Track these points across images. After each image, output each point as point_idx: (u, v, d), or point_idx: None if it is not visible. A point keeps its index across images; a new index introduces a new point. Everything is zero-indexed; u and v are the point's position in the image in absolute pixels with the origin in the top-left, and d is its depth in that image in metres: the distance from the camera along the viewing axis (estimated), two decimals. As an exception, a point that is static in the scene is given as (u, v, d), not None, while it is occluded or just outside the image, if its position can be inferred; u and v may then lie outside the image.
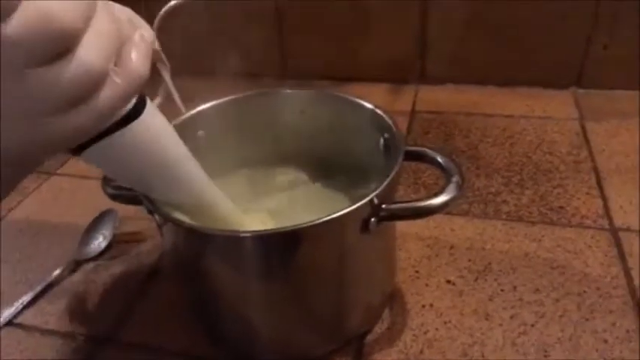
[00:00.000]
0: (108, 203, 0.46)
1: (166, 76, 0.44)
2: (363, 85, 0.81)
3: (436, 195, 0.36)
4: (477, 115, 0.74)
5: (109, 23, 0.22)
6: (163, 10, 0.42)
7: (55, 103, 0.21)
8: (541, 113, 0.73)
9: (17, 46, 0.19)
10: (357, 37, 0.82)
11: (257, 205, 0.47)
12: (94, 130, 0.26)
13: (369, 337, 0.43)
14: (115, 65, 0.23)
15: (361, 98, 0.46)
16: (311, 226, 0.33)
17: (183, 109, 0.47)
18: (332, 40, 0.84)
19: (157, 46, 0.43)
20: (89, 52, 0.21)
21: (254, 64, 0.83)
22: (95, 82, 0.22)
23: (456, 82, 0.82)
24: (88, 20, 0.21)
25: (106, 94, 0.23)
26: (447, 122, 0.72)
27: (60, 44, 0.20)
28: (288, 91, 0.50)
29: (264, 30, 0.84)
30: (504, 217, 0.55)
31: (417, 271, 0.49)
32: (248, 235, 0.35)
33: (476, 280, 0.48)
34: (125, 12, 0.25)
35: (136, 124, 0.28)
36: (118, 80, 0.23)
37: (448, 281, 0.48)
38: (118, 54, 0.24)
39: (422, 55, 0.82)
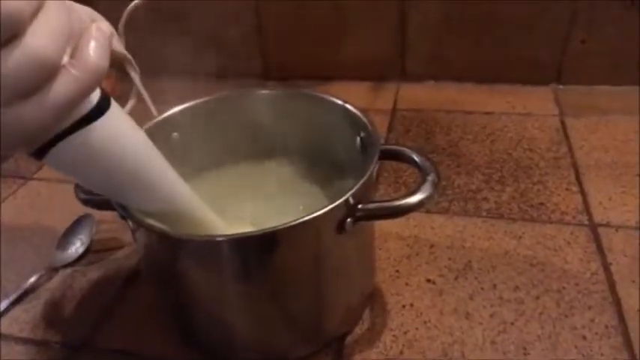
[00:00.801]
0: (85, 208, 0.45)
1: (136, 79, 0.43)
2: (343, 83, 0.81)
3: (412, 194, 0.36)
4: (458, 112, 0.74)
5: (60, 12, 0.22)
6: (129, 8, 0.41)
7: (3, 92, 0.20)
8: (521, 110, 0.74)
9: None
10: (337, 36, 0.82)
11: (234, 206, 0.46)
12: (54, 127, 0.25)
13: (349, 339, 0.43)
14: (72, 58, 0.23)
15: (337, 97, 0.46)
16: (286, 227, 0.33)
17: (154, 111, 0.46)
18: (312, 39, 0.83)
19: (123, 49, 0.43)
20: (37, 39, 0.20)
21: (233, 64, 0.83)
22: (46, 71, 0.21)
23: (436, 79, 0.83)
24: (36, 8, 0.20)
25: (62, 86, 0.22)
26: (428, 120, 0.72)
27: (5, 29, 0.19)
28: (264, 91, 0.50)
29: (244, 29, 0.84)
30: (485, 214, 0.55)
31: (397, 271, 0.49)
32: (223, 239, 0.35)
33: (456, 278, 0.48)
34: (85, 9, 0.25)
35: (99, 124, 0.28)
36: (74, 72, 0.22)
37: (428, 280, 0.48)
38: (74, 46, 0.23)
39: (402, 53, 0.82)
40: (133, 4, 0.48)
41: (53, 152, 0.26)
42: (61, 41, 0.22)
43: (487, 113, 0.73)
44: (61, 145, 0.26)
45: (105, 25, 0.25)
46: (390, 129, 0.71)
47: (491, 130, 0.69)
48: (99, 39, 0.24)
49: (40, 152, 0.27)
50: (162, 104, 0.47)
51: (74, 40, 0.23)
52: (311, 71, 0.84)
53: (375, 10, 0.78)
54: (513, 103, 0.76)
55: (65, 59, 0.23)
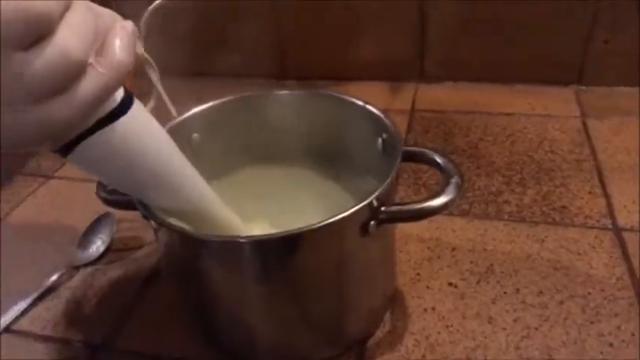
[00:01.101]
0: (106, 207, 0.45)
1: (155, 80, 0.43)
2: (361, 84, 0.81)
3: (435, 196, 0.36)
4: (477, 113, 0.73)
5: (86, 12, 0.22)
6: (150, 8, 0.41)
7: (33, 91, 0.21)
8: (542, 111, 0.73)
9: None
10: (354, 36, 0.82)
11: (253, 207, 0.46)
12: (79, 124, 0.25)
13: (371, 342, 0.43)
14: (98, 56, 0.23)
15: (359, 98, 0.46)
16: (309, 230, 0.32)
17: (174, 112, 0.46)
18: (330, 39, 0.83)
19: (142, 50, 0.43)
20: (65, 38, 0.21)
21: (252, 64, 0.83)
22: (74, 69, 0.22)
23: (455, 80, 0.82)
24: (64, 7, 0.21)
25: (89, 84, 0.22)
26: (447, 121, 0.72)
27: (35, 29, 0.20)
28: (284, 92, 0.49)
29: (262, 29, 0.84)
30: (506, 217, 0.54)
31: (418, 274, 0.48)
32: (245, 240, 0.34)
33: (478, 282, 0.47)
34: (106, 10, 0.25)
35: (123, 121, 0.28)
36: (100, 69, 0.23)
37: (450, 284, 0.47)
38: (100, 45, 0.23)
39: (421, 54, 0.81)
40: (154, 4, 0.48)
41: (78, 150, 0.27)
42: (88, 40, 0.22)
43: (507, 114, 0.72)
44: (86, 143, 0.27)
45: (129, 24, 0.25)
46: (408, 130, 0.70)
47: (512, 131, 0.68)
48: (124, 37, 0.24)
49: (65, 149, 0.27)
50: (180, 105, 0.48)
51: (99, 39, 0.24)
52: (328, 71, 0.84)
53: (393, 9, 0.78)
54: (533, 104, 0.74)
55: (91, 57, 0.23)
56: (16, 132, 0.22)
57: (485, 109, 0.74)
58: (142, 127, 0.30)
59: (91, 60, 0.23)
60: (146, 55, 0.45)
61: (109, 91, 0.24)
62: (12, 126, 0.21)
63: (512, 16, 0.75)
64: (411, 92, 0.79)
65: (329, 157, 0.49)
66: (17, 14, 0.19)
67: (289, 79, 0.86)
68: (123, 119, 0.28)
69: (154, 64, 0.47)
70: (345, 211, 0.33)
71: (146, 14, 0.46)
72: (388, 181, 0.35)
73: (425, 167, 0.62)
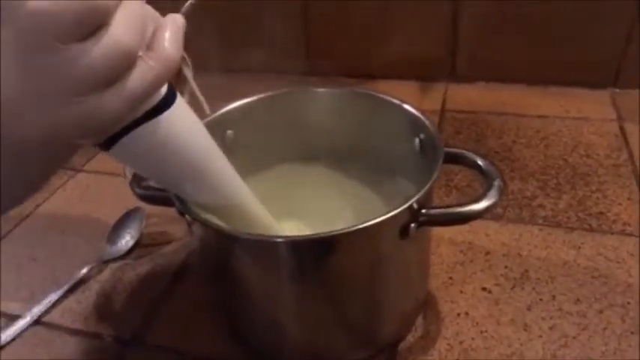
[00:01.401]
0: (135, 201, 0.45)
1: (189, 75, 0.43)
2: (390, 82, 0.80)
3: (478, 200, 0.35)
4: (510, 115, 0.72)
5: (137, 4, 0.22)
6: (184, 8, 0.41)
7: (88, 81, 0.21)
8: (576, 114, 0.71)
9: (50, 19, 0.19)
10: (383, 33, 0.81)
11: (286, 206, 0.45)
12: (126, 116, 0.25)
13: (402, 345, 0.42)
14: (148, 49, 0.23)
15: (395, 97, 0.45)
16: (348, 232, 0.32)
17: (207, 109, 0.46)
18: (359, 36, 0.82)
19: None
20: (121, 30, 0.21)
21: (278, 61, 0.82)
22: (127, 61, 0.22)
23: (487, 80, 0.80)
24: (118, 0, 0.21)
25: (139, 76, 0.23)
26: (479, 122, 0.70)
27: (92, 20, 0.20)
28: (319, 89, 0.49)
29: (290, 26, 0.83)
30: (541, 222, 0.53)
31: (450, 278, 0.47)
32: (283, 240, 0.34)
33: (513, 288, 0.46)
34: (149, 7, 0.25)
35: (167, 116, 0.28)
36: (150, 62, 0.23)
37: (484, 289, 0.46)
38: (150, 38, 0.24)
39: (452, 53, 0.80)
40: (188, 3, 0.47)
41: (121, 143, 0.27)
42: (140, 32, 0.22)
43: (540, 117, 0.71)
44: (130, 136, 0.26)
45: (179, 18, 0.25)
46: (439, 130, 0.69)
47: (545, 134, 0.67)
48: (174, 31, 0.25)
49: (109, 142, 0.27)
50: (211, 100, 0.47)
51: (149, 33, 0.24)
52: (356, 69, 0.83)
53: (425, 7, 0.77)
54: (567, 106, 0.73)
55: (141, 51, 0.23)
56: (67, 124, 0.22)
57: (518, 111, 0.72)
58: (183, 122, 0.30)
59: (141, 53, 0.23)
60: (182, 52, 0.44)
61: (158, 84, 0.24)
62: (65, 117, 0.21)
63: (547, 16, 0.73)
64: (441, 92, 0.78)
65: (362, 157, 0.48)
66: (76, 5, 0.19)
67: (315, 77, 0.85)
68: (167, 113, 0.28)
69: (188, 60, 0.46)
70: (385, 214, 0.32)
71: (181, 12, 0.46)
72: (430, 183, 0.34)
73: (456, 169, 0.61)
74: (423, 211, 0.34)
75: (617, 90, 0.75)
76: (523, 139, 0.66)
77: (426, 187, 0.34)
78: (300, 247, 0.34)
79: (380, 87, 0.78)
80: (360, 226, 0.32)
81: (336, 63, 0.85)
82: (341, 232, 0.32)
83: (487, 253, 0.50)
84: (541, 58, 0.77)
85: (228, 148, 0.46)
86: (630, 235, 0.51)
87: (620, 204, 0.54)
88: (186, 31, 0.26)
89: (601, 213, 0.54)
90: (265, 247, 0.35)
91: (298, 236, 0.33)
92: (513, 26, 0.75)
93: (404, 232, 0.34)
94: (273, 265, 0.36)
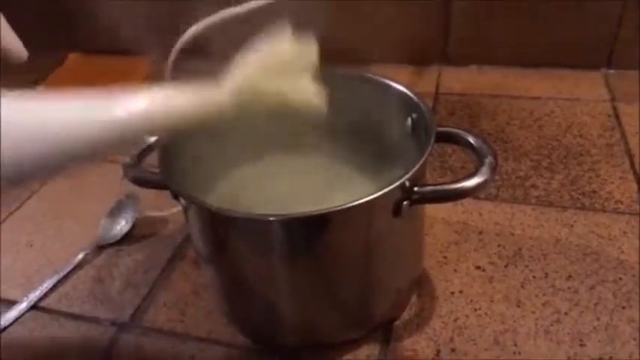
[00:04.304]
0: (129, 187, 0.45)
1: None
2: (383, 66, 0.79)
3: (469, 177, 0.35)
4: (503, 97, 0.72)
5: None
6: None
7: None
8: (569, 95, 0.71)
9: None
10: (378, 17, 0.80)
11: (279, 195, 0.45)
12: None
13: (397, 324, 0.42)
14: None
15: (387, 78, 0.45)
16: (341, 209, 0.32)
17: None
18: (353, 20, 0.82)
19: None
20: None
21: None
22: None
23: (480, 63, 0.80)
24: None
25: None
26: (472, 104, 0.70)
27: None
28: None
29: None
30: (534, 201, 0.53)
31: (445, 257, 0.48)
32: (276, 218, 0.34)
33: (506, 266, 0.46)
34: None
35: None
36: None
37: (477, 267, 0.47)
38: None
39: (445, 36, 0.79)
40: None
41: None
42: None
43: (533, 98, 0.71)
44: None
45: None
46: (433, 113, 0.69)
47: (539, 115, 0.67)
48: None
49: None
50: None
51: None
52: (349, 53, 0.82)
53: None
54: (560, 88, 0.73)
55: None
56: None
57: (512, 93, 0.72)
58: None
59: None
60: None
61: None
62: None
63: (540, -2, 0.73)
64: (434, 75, 0.78)
65: (354, 140, 0.48)
66: None
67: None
68: None
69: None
70: (377, 191, 0.32)
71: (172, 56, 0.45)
72: (422, 160, 0.34)
73: (450, 150, 0.61)
74: (416, 188, 0.34)
75: (611, 71, 0.75)
76: (516, 121, 0.66)
77: (418, 164, 0.34)
78: (294, 225, 0.34)
79: (375, 70, 0.77)
80: (353, 204, 0.32)
81: (332, 48, 0.84)
82: (334, 209, 0.32)
83: (481, 233, 0.50)
84: (534, 41, 0.77)
85: (222, 134, 0.46)
86: (622, 213, 0.51)
87: (612, 182, 0.55)
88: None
89: (594, 192, 0.54)
90: (259, 225, 0.35)
91: (292, 214, 0.33)
92: (506, 9, 0.75)
93: (397, 209, 0.34)
94: (267, 244, 0.36)
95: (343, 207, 0.32)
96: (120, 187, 0.55)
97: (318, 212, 0.32)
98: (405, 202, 0.34)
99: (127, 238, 0.54)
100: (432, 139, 0.36)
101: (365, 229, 0.35)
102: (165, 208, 0.55)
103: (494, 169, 0.36)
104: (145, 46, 0.64)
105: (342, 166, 0.49)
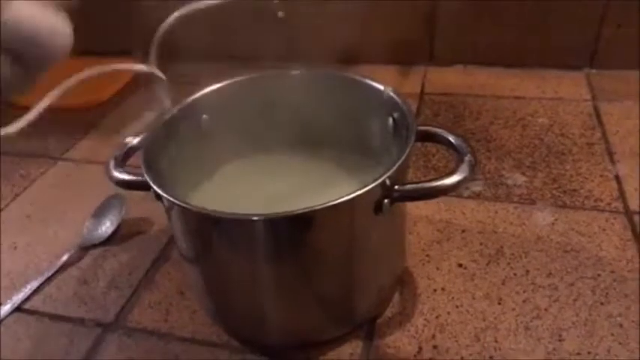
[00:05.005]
0: (114, 189, 0.45)
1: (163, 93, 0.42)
2: (369, 67, 0.80)
3: (449, 175, 0.36)
4: (487, 96, 0.73)
5: None
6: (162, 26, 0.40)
7: None
8: (552, 95, 0.72)
9: None
10: (364, 18, 0.81)
11: (263, 195, 0.46)
12: None
13: (380, 321, 0.43)
14: None
15: (367, 77, 0.45)
16: (323, 208, 0.32)
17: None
18: (338, 20, 0.82)
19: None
20: None
21: (259, 47, 0.82)
22: None
23: (465, 63, 0.81)
24: None
25: None
26: (457, 104, 0.71)
27: None
28: (294, 72, 0.49)
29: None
30: (516, 199, 0.54)
31: (427, 255, 0.48)
32: (258, 218, 0.34)
33: (488, 264, 0.47)
34: None
35: None
36: None
37: (460, 265, 0.47)
38: None
39: (430, 36, 0.80)
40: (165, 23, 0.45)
41: None
42: None
43: (517, 98, 0.72)
44: None
45: None
46: (418, 113, 0.70)
47: (522, 115, 0.68)
48: None
49: None
50: (191, 86, 0.47)
51: None
52: (336, 54, 0.83)
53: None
54: (544, 87, 0.74)
55: None
56: None
57: (496, 93, 0.73)
58: None
59: None
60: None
61: None
62: None
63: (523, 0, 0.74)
64: (420, 75, 0.79)
65: (337, 140, 0.49)
66: None
67: (294, 61, 0.85)
68: None
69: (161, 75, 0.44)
70: (358, 190, 0.33)
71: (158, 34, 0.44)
72: (402, 158, 0.35)
73: (433, 150, 0.62)
74: (396, 187, 0.35)
75: (593, 70, 0.76)
76: (500, 120, 0.67)
77: (398, 163, 0.34)
78: (276, 224, 0.34)
79: (361, 71, 0.77)
80: (335, 202, 0.32)
81: (317, 48, 0.85)
82: (317, 207, 0.32)
83: (463, 231, 0.51)
84: (518, 41, 0.78)
85: (205, 134, 0.46)
86: (602, 210, 0.52)
87: (592, 181, 0.56)
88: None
89: (574, 190, 0.55)
90: (241, 225, 0.35)
91: (274, 213, 0.33)
92: (490, 10, 0.76)
93: (378, 207, 0.35)
94: (250, 243, 0.36)
95: (325, 205, 0.32)
96: (104, 187, 0.55)
97: (300, 211, 0.33)
98: (385, 200, 0.35)
99: (112, 238, 0.54)
100: (412, 138, 0.37)
101: (347, 227, 0.36)
102: (150, 209, 0.55)
103: (473, 167, 0.36)
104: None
105: (325, 166, 0.49)
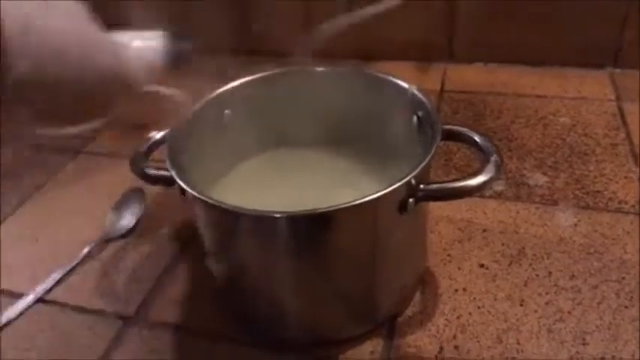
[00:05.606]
0: (135, 182, 0.46)
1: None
2: (388, 63, 0.79)
3: (474, 175, 0.35)
4: (508, 95, 0.72)
5: None
6: None
7: None
8: (575, 94, 0.71)
9: None
10: (384, 16, 0.80)
11: (284, 191, 0.46)
12: None
13: (400, 320, 0.43)
14: None
15: (392, 75, 0.45)
16: (348, 207, 0.32)
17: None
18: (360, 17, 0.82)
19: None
20: None
21: (280, 42, 0.81)
22: None
23: (485, 61, 0.80)
24: None
25: None
26: (477, 102, 0.70)
27: None
28: (318, 68, 0.49)
29: (291, 7, 0.83)
30: (538, 200, 0.54)
31: (448, 255, 0.48)
32: (282, 215, 0.34)
33: (510, 264, 0.47)
34: None
35: None
36: None
37: (481, 265, 0.47)
38: None
39: (450, 33, 0.79)
40: None
41: None
42: None
43: (538, 97, 0.71)
44: None
45: None
46: (437, 111, 0.69)
47: (544, 114, 0.67)
48: None
49: None
50: (208, 81, 0.47)
51: None
52: (356, 50, 0.82)
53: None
54: (566, 86, 0.73)
55: None
56: None
57: (516, 91, 0.72)
58: None
59: None
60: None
61: None
62: None
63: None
64: (439, 73, 0.78)
65: (360, 137, 0.49)
66: None
67: (316, 58, 0.85)
68: None
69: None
70: (384, 189, 0.33)
71: None
72: (428, 158, 0.34)
73: (454, 148, 0.61)
74: (422, 186, 0.35)
75: (616, 70, 0.75)
76: (521, 119, 0.66)
77: (424, 162, 0.34)
78: (301, 222, 0.34)
79: (380, 67, 0.77)
80: (360, 201, 0.32)
81: (337, 44, 0.84)
82: (341, 206, 0.32)
83: (485, 231, 0.50)
84: (540, 39, 0.77)
85: (227, 128, 0.46)
86: (627, 212, 0.51)
87: (616, 182, 0.55)
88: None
89: (598, 191, 0.54)
90: (266, 222, 0.35)
91: (299, 211, 0.33)
92: (511, 6, 0.75)
93: (402, 207, 0.34)
94: (272, 240, 0.36)
95: (351, 204, 0.32)
96: (124, 181, 0.55)
97: (325, 209, 0.33)
98: (410, 200, 0.34)
99: (133, 232, 0.55)
100: (438, 138, 0.36)
101: (371, 226, 0.35)
102: (171, 204, 0.55)
103: (499, 168, 0.36)
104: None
105: (346, 162, 0.49)
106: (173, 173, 0.36)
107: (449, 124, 0.40)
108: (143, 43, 0.39)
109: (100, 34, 0.32)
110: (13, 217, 0.59)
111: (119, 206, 0.56)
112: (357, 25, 0.82)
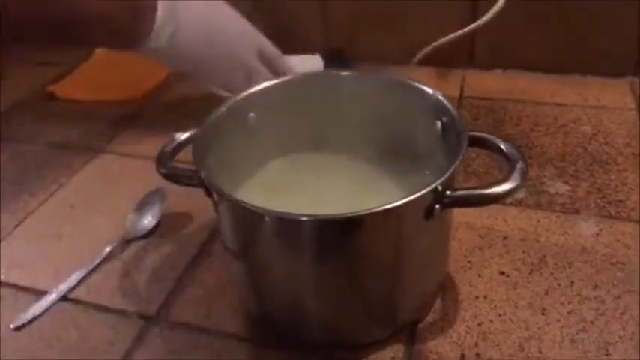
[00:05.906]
0: (157, 182, 0.46)
1: None
2: (408, 68, 0.80)
3: (501, 182, 0.35)
4: (527, 102, 0.72)
5: None
6: None
7: None
8: (595, 102, 0.71)
9: None
10: (403, 19, 0.80)
11: (308, 196, 0.46)
12: None
13: (421, 326, 0.43)
14: None
15: (417, 81, 0.45)
16: (374, 212, 0.32)
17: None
18: (378, 21, 0.82)
19: None
20: None
21: (297, 47, 0.82)
22: None
23: (505, 67, 0.80)
24: None
25: None
26: (497, 109, 0.70)
27: None
28: (340, 73, 0.49)
29: (310, 10, 0.83)
30: (559, 209, 0.53)
31: (469, 262, 0.48)
32: (308, 219, 0.35)
33: (530, 272, 0.47)
34: None
35: None
36: None
37: (502, 273, 0.47)
38: None
39: (471, 39, 0.79)
40: None
41: None
42: None
43: (558, 105, 0.71)
44: None
45: None
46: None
47: (564, 122, 0.67)
48: None
49: None
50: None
51: None
52: (376, 55, 0.83)
53: (444, -5, 0.76)
54: (585, 95, 0.72)
55: None
56: None
57: (536, 99, 0.72)
58: None
59: None
60: None
61: None
62: None
63: (566, 4, 0.73)
64: (459, 78, 0.78)
65: (383, 143, 0.49)
66: None
67: (335, 62, 0.85)
68: None
69: None
70: (410, 195, 0.33)
71: None
72: (455, 164, 0.35)
73: (474, 155, 0.61)
74: (448, 192, 0.35)
75: (637, 79, 0.75)
76: (541, 127, 0.66)
77: (452, 169, 0.34)
78: (326, 226, 0.34)
79: (399, 72, 0.77)
80: (387, 207, 0.32)
81: (357, 48, 0.85)
82: (367, 212, 0.33)
83: (505, 238, 0.50)
84: (560, 46, 0.77)
85: (250, 131, 0.47)
86: (649, 223, 0.51)
87: (639, 192, 0.54)
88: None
89: (620, 201, 0.54)
90: (291, 225, 0.35)
91: (325, 215, 0.34)
92: (531, 14, 0.75)
93: (429, 213, 0.35)
94: (297, 243, 0.36)
95: (378, 210, 0.32)
96: (145, 180, 0.56)
97: (351, 214, 0.33)
98: (436, 206, 0.34)
99: (154, 232, 0.55)
100: (465, 144, 0.36)
101: (396, 232, 0.36)
102: (192, 204, 0.56)
103: (525, 175, 0.36)
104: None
105: (369, 167, 0.49)
106: (202, 174, 0.36)
107: (472, 130, 0.40)
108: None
109: None
110: (37, 214, 0.59)
111: (140, 206, 0.57)
112: (377, 29, 0.82)
